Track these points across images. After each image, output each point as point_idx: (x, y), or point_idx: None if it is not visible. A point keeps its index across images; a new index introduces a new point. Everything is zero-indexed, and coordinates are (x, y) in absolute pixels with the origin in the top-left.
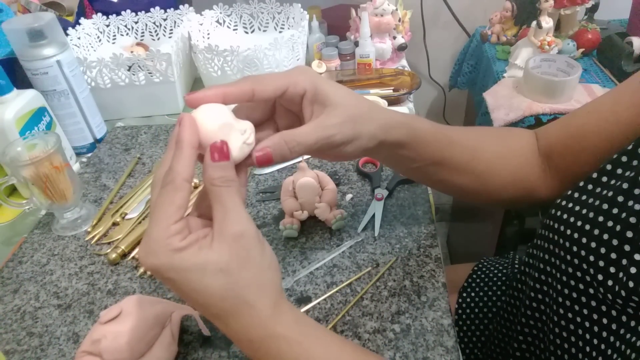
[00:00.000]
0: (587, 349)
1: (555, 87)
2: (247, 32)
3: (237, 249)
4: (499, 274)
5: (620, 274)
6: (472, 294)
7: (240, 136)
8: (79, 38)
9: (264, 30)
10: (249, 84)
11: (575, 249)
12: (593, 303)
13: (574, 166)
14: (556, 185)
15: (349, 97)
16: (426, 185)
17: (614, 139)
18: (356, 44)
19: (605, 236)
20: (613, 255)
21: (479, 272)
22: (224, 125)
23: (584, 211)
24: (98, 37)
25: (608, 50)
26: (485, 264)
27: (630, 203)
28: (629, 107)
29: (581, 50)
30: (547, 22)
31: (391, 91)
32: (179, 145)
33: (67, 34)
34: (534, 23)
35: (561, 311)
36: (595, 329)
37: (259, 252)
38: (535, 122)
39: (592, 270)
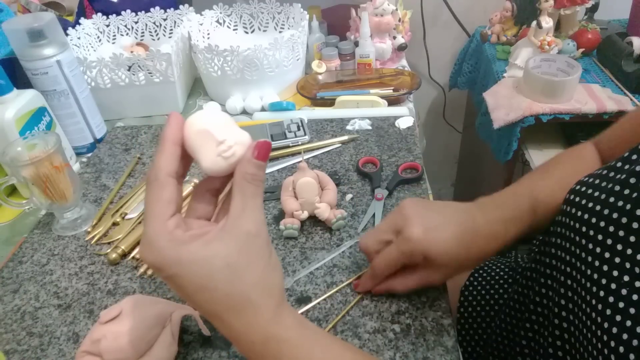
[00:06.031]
0: (594, 353)
1: (555, 87)
2: (247, 32)
3: (248, 247)
4: (501, 273)
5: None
6: (474, 293)
7: (214, 148)
8: (79, 38)
9: (264, 30)
10: None
11: (591, 232)
12: (611, 299)
13: None
14: None
15: (453, 253)
16: None
17: None
18: (356, 44)
19: (624, 220)
20: (632, 239)
21: (480, 272)
22: (200, 133)
23: (600, 194)
24: (98, 37)
25: (608, 50)
26: (486, 263)
27: None
28: None
29: (581, 50)
30: (547, 22)
31: (391, 91)
32: (161, 142)
33: (67, 34)
34: (534, 23)
35: (566, 305)
36: (605, 325)
37: (267, 254)
38: (535, 122)
39: (613, 256)
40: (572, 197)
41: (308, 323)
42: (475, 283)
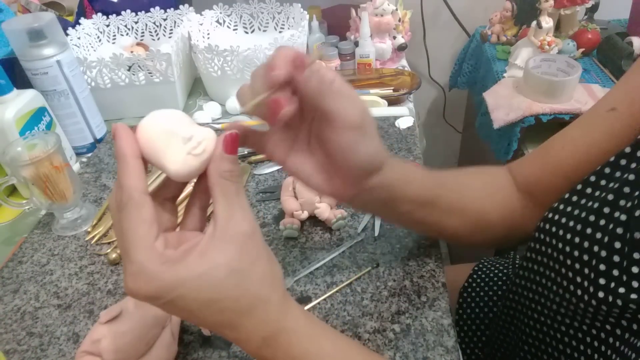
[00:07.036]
0: (588, 351)
1: (555, 87)
2: (247, 32)
3: (248, 248)
4: (500, 274)
5: (612, 284)
6: (473, 294)
7: (182, 146)
8: (79, 38)
9: (264, 30)
10: None
11: (569, 262)
12: (587, 320)
13: (555, 198)
14: (540, 217)
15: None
16: (419, 233)
17: (589, 164)
18: (356, 44)
19: (596, 248)
20: (602, 267)
21: (479, 272)
22: (162, 133)
23: (571, 223)
24: (98, 37)
25: (608, 50)
26: (485, 264)
27: (617, 214)
28: (602, 134)
29: (581, 50)
30: (547, 22)
31: (391, 91)
32: (122, 159)
33: (67, 34)
34: (534, 23)
35: (555, 317)
36: (594, 331)
37: (265, 247)
38: (535, 122)
39: (585, 283)
40: (546, 223)
41: (311, 315)
42: (474, 284)
